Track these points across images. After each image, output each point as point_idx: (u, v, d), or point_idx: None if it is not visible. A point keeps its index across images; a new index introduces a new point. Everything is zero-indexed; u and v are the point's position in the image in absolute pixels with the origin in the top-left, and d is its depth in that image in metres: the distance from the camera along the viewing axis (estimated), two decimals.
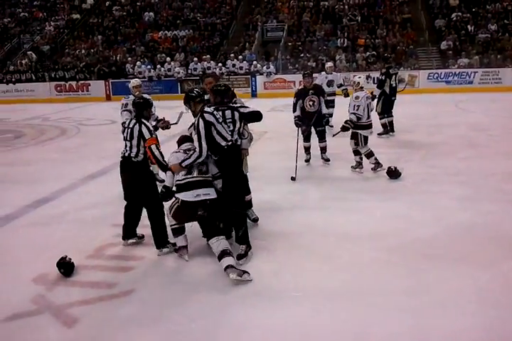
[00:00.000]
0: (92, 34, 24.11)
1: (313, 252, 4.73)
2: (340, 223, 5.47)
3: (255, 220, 5.50)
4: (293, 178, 7.13)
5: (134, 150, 4.78)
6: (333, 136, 7.44)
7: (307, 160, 8.10)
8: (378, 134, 9.88)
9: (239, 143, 4.91)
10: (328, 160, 8.06)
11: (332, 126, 10.28)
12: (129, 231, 5.11)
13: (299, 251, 4.76)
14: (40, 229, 5.66)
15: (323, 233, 5.17)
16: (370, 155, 7.36)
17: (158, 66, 20.27)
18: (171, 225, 4.78)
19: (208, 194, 4.50)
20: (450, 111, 13.80)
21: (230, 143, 4.61)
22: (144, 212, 5.01)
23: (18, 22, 25.89)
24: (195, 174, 4.57)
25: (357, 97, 7.18)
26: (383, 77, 10.22)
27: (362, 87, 7.35)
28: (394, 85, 10.22)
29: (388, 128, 10.24)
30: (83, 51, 22.81)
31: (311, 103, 7.75)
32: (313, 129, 8.04)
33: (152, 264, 4.74)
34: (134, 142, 4.76)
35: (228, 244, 4.41)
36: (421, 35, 20.94)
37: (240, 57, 20.11)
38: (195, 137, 4.53)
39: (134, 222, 5.09)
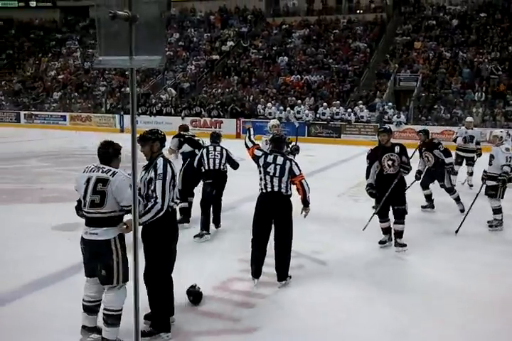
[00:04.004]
0: (228, 74, 25.51)
1: None
2: None
3: None
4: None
5: (284, 185, 5.05)
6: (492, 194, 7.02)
7: (382, 242, 6.49)
8: None
9: (283, 191, 5.06)
10: (403, 245, 6.30)
11: (472, 186, 9.87)
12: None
13: None
14: None
15: None
16: (499, 211, 7.19)
17: (288, 108, 20.84)
18: None
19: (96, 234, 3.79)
20: None
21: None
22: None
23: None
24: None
25: (507, 149, 7.00)
26: None
27: (503, 142, 7.15)
28: None
29: None
30: (219, 90, 24.16)
31: (390, 163, 6.20)
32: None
33: (275, 304, 4.74)
34: (285, 178, 5.05)
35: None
36: None
37: (370, 104, 20.11)
38: (159, 183, 3.89)
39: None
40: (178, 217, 6.05)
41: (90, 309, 3.90)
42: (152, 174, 3.94)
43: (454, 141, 10.33)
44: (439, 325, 4.35)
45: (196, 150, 7.31)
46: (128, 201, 3.66)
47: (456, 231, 7.03)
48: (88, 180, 3.79)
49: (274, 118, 19.05)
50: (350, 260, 5.94)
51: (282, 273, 5.15)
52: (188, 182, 7.25)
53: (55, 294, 4.85)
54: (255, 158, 5.28)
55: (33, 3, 36.06)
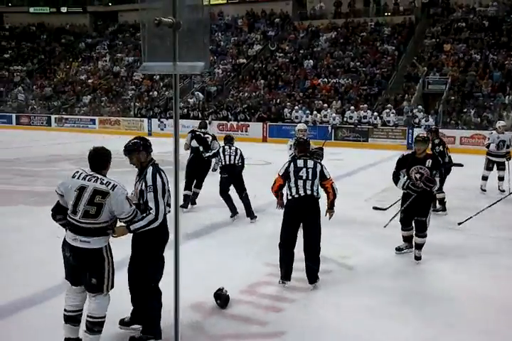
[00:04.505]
0: (255, 78, 25.59)
1: None
2: None
3: None
4: None
5: (315, 188, 5.13)
6: None
7: (400, 249, 6.30)
8: None
9: (315, 194, 5.13)
10: (419, 258, 6.07)
11: (504, 191, 9.74)
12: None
13: None
14: (201, 257, 5.93)
15: None
16: None
17: (315, 112, 20.78)
18: None
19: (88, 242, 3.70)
20: None
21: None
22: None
23: None
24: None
25: None
26: None
27: None
28: None
29: None
30: (246, 94, 24.24)
31: (417, 176, 5.86)
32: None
33: (303, 308, 4.74)
34: (317, 181, 5.14)
35: None
36: None
37: (398, 108, 19.93)
38: (150, 195, 3.86)
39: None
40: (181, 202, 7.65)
41: (75, 319, 3.80)
42: (143, 186, 3.90)
43: (488, 147, 10.15)
44: (472, 333, 4.29)
45: (201, 147, 8.41)
46: (127, 213, 3.70)
47: (459, 224, 7.15)
48: (82, 189, 3.65)
49: (300, 122, 19.06)
50: (378, 265, 5.90)
51: (314, 275, 5.18)
52: (190, 174, 8.38)
53: None
54: (285, 175, 5.23)
55: (64, 9, 36.83)
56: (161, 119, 23.34)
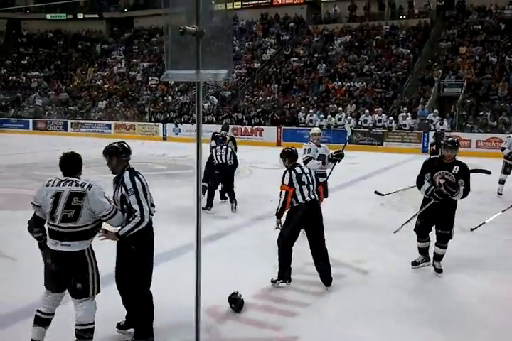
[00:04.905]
0: (269, 82, 25.63)
1: None
2: None
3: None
4: None
5: (316, 192, 5.30)
6: None
7: (415, 263, 5.89)
8: None
9: (317, 197, 5.30)
10: (440, 271, 5.72)
11: None
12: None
13: None
14: (214, 261, 5.92)
15: None
16: None
17: (329, 116, 20.73)
18: None
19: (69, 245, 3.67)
20: None
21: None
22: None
23: None
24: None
25: None
26: None
27: None
28: None
29: None
30: (260, 98, 24.29)
31: (441, 181, 5.47)
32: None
33: (317, 313, 4.71)
34: (315, 185, 5.34)
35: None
36: None
37: (413, 111, 19.82)
38: (132, 198, 3.85)
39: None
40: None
41: (48, 322, 3.78)
42: (123, 191, 3.88)
43: (502, 150, 10.06)
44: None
45: (218, 147, 9.14)
46: (108, 210, 3.71)
47: (472, 229, 7.07)
48: (58, 194, 3.64)
49: (314, 125, 19.02)
50: (393, 270, 5.84)
51: (328, 276, 5.22)
52: (208, 173, 8.91)
53: None
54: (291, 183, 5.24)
55: (80, 16, 37.26)
56: (177, 124, 23.43)
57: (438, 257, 5.70)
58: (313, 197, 5.23)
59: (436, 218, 5.60)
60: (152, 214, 3.99)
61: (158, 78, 28.85)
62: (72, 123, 27.06)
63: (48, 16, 37.52)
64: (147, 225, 3.91)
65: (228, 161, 8.84)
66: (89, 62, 34.08)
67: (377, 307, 4.78)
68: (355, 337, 4.23)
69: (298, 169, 5.34)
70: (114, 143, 4.12)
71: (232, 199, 8.84)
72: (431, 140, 10.32)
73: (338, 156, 7.42)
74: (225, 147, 9.01)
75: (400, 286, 5.38)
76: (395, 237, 6.86)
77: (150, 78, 29.15)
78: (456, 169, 5.47)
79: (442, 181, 5.44)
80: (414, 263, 5.86)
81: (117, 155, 3.98)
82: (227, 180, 8.96)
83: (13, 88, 32.42)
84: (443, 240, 5.62)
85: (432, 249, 5.79)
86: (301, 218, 5.19)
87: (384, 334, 4.27)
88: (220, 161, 8.82)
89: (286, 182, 5.21)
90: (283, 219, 5.29)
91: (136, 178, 3.91)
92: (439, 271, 5.70)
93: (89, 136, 25.08)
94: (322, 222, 5.29)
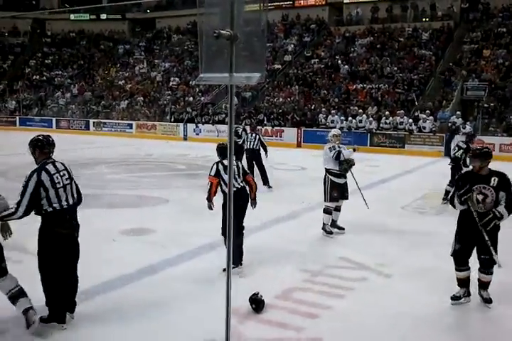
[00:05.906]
0: (290, 84, 25.58)
1: None
2: None
3: None
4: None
5: None
6: None
7: (456, 298, 4.96)
8: None
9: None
10: (489, 301, 4.89)
11: None
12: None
13: None
14: None
15: None
16: None
17: (350, 118, 20.62)
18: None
19: None
20: None
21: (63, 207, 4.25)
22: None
23: None
24: None
25: None
26: None
27: None
28: None
29: None
30: (281, 99, 24.26)
31: (480, 197, 4.70)
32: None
33: (339, 315, 4.70)
34: None
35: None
36: None
37: (435, 114, 19.60)
38: (20, 191, 4.05)
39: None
40: None
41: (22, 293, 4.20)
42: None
43: None
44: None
45: (249, 135, 11.11)
46: None
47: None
48: None
49: (335, 126, 18.96)
50: (416, 273, 5.77)
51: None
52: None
53: (126, 296, 5.01)
54: None
55: (103, 16, 37.65)
56: (197, 124, 23.53)
57: (484, 285, 4.93)
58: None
59: (476, 244, 4.83)
60: (46, 211, 4.13)
61: (179, 78, 29.05)
62: (94, 122, 27.34)
63: (72, 16, 37.95)
64: (55, 219, 4.13)
65: (255, 147, 10.69)
66: (111, 62, 34.40)
67: (400, 310, 4.73)
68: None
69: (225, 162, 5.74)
70: (40, 135, 4.33)
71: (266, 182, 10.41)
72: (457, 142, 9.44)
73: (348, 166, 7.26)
74: (254, 135, 10.89)
75: (424, 289, 5.30)
76: (416, 239, 6.82)
77: (172, 79, 29.32)
78: (494, 181, 4.72)
79: (481, 197, 4.68)
80: (455, 298, 4.96)
81: (40, 148, 4.20)
82: (258, 165, 10.59)
83: (37, 87, 32.91)
84: (486, 266, 4.85)
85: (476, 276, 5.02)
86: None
87: (408, 338, 4.24)
88: (249, 147, 10.73)
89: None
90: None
91: (35, 174, 4.06)
92: (488, 301, 4.88)
93: (111, 135, 25.33)
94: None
